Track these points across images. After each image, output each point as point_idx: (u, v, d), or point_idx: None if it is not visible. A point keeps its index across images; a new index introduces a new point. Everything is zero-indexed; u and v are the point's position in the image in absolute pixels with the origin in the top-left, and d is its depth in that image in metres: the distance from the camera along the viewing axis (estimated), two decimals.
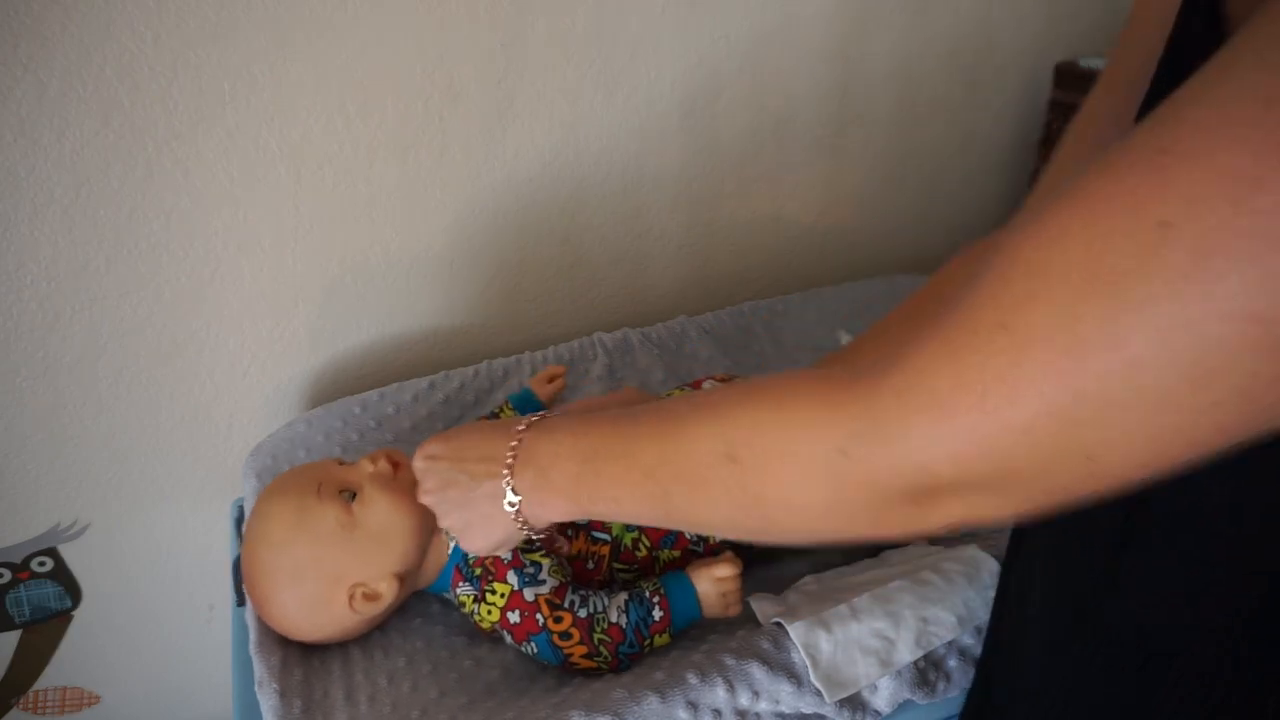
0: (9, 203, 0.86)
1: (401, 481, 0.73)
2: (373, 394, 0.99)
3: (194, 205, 0.93)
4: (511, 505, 0.56)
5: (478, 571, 0.72)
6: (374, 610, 0.71)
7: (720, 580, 0.72)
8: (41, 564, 1.05)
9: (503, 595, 0.70)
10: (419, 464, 0.62)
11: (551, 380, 1.01)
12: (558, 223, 1.13)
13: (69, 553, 1.05)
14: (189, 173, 0.92)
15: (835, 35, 1.18)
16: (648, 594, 0.71)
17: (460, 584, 0.73)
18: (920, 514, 0.38)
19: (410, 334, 1.11)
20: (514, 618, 0.70)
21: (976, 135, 1.37)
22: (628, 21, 1.05)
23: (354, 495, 0.72)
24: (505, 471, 0.56)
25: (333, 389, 1.08)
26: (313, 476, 0.73)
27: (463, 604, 0.73)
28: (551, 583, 0.71)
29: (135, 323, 0.96)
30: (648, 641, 0.71)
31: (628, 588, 0.73)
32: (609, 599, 0.71)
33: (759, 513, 0.43)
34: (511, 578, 0.71)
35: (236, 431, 1.07)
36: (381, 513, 0.71)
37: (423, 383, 1.02)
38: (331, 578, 0.70)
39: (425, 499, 0.63)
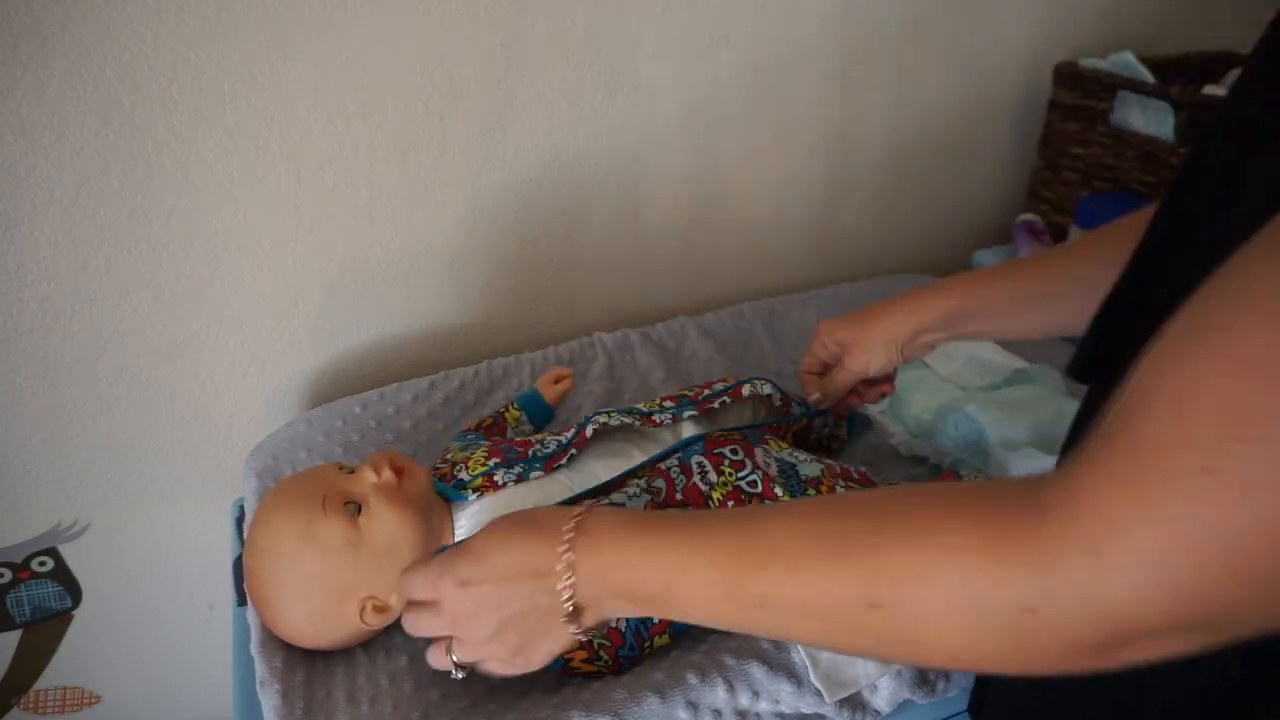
0: (9, 202, 0.86)
1: (406, 491, 0.72)
2: (373, 394, 0.99)
3: (194, 205, 0.93)
4: (569, 618, 0.50)
5: None
6: (385, 622, 0.71)
7: None
8: (42, 564, 1.05)
9: None
10: (453, 594, 0.52)
11: (558, 381, 1.01)
12: (558, 223, 1.13)
13: (69, 552, 1.05)
14: (189, 173, 0.92)
15: (834, 36, 1.18)
16: None
17: None
18: (1112, 656, 0.34)
19: (410, 334, 1.11)
20: None
21: (976, 135, 1.37)
22: (628, 21, 1.05)
23: (359, 508, 0.71)
24: (565, 588, 0.49)
25: (333, 389, 1.08)
26: (316, 488, 0.71)
27: None
28: None
29: (135, 323, 0.96)
30: (648, 644, 0.70)
31: None
32: None
33: (914, 654, 0.39)
34: None
35: (236, 431, 1.07)
36: (388, 526, 0.70)
37: (423, 383, 1.02)
38: (341, 592, 0.70)
39: (471, 635, 0.52)
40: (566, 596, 0.49)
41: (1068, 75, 1.26)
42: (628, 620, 0.69)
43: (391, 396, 0.99)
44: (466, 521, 0.75)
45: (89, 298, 0.93)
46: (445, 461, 0.84)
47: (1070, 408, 0.77)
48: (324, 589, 0.69)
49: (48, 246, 0.89)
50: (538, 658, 0.53)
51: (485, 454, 0.80)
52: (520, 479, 0.77)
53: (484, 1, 0.97)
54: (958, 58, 1.29)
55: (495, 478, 0.77)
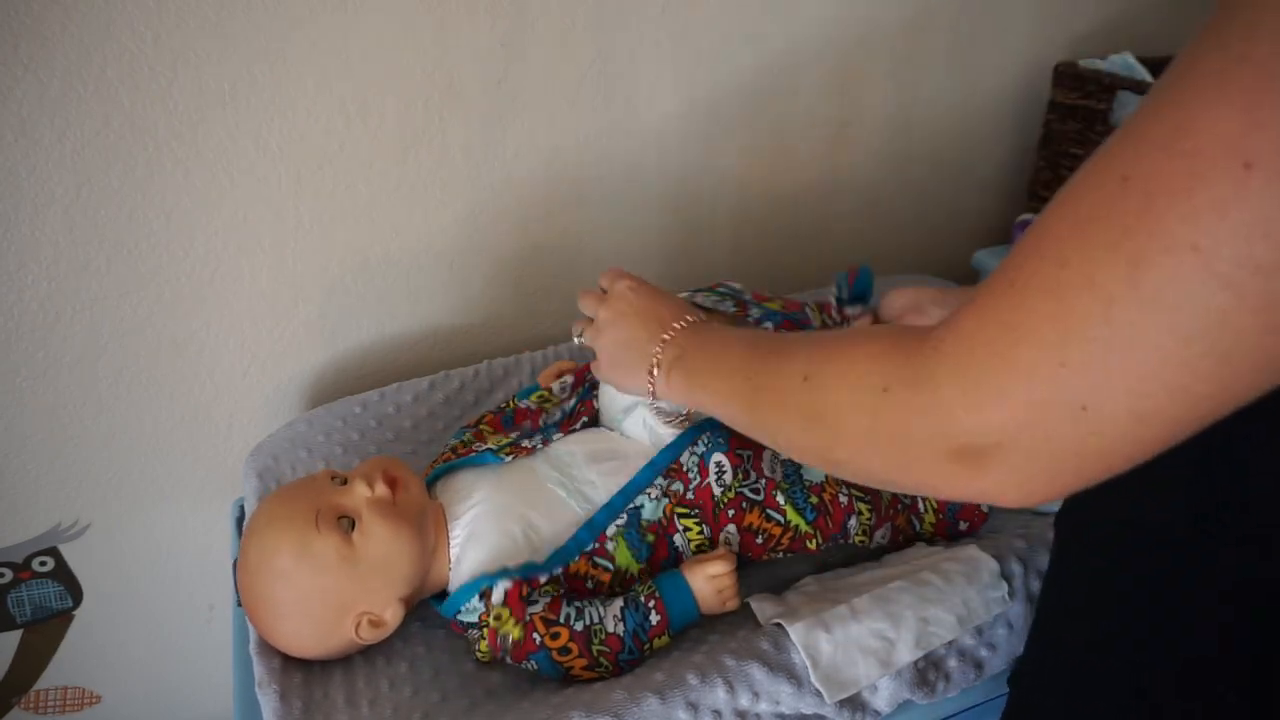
0: (10, 203, 0.86)
1: (401, 505, 0.71)
2: (373, 394, 0.99)
3: (194, 205, 0.93)
4: (651, 373, 0.68)
5: (465, 625, 0.72)
6: (380, 636, 0.71)
7: (714, 577, 0.72)
8: (42, 564, 1.05)
9: (505, 616, 0.69)
10: (618, 295, 0.73)
11: (560, 376, 1.00)
12: (558, 222, 1.13)
13: (69, 552, 1.05)
14: (189, 173, 0.92)
15: (834, 35, 1.18)
16: (642, 598, 0.71)
17: (460, 633, 0.73)
18: (958, 471, 0.41)
19: (410, 334, 1.11)
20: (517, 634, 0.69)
21: (976, 135, 1.37)
22: (628, 21, 1.05)
23: (353, 523, 0.70)
24: (659, 346, 0.67)
25: (333, 389, 1.08)
26: (309, 503, 0.70)
27: (469, 639, 0.73)
28: (544, 600, 0.70)
29: (135, 323, 0.96)
30: (647, 646, 0.70)
31: (623, 593, 0.72)
32: (604, 608, 0.70)
33: (817, 431, 0.49)
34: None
35: (236, 431, 1.07)
36: (382, 542, 0.69)
37: (423, 383, 1.02)
38: (336, 608, 0.69)
39: (599, 316, 0.73)
40: (657, 352, 0.67)
41: (1067, 75, 1.26)
42: (625, 624, 0.69)
43: (392, 396, 0.99)
44: (461, 531, 0.74)
45: (89, 298, 0.93)
46: (448, 448, 0.84)
47: None
48: (319, 605, 0.69)
49: (48, 246, 0.89)
50: (619, 379, 0.73)
51: (490, 428, 0.87)
52: (546, 442, 0.81)
53: (484, 1, 0.97)
54: (958, 58, 1.29)
55: (523, 444, 0.81)
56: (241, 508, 0.94)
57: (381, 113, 0.97)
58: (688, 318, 0.69)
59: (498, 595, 0.69)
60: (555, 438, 0.82)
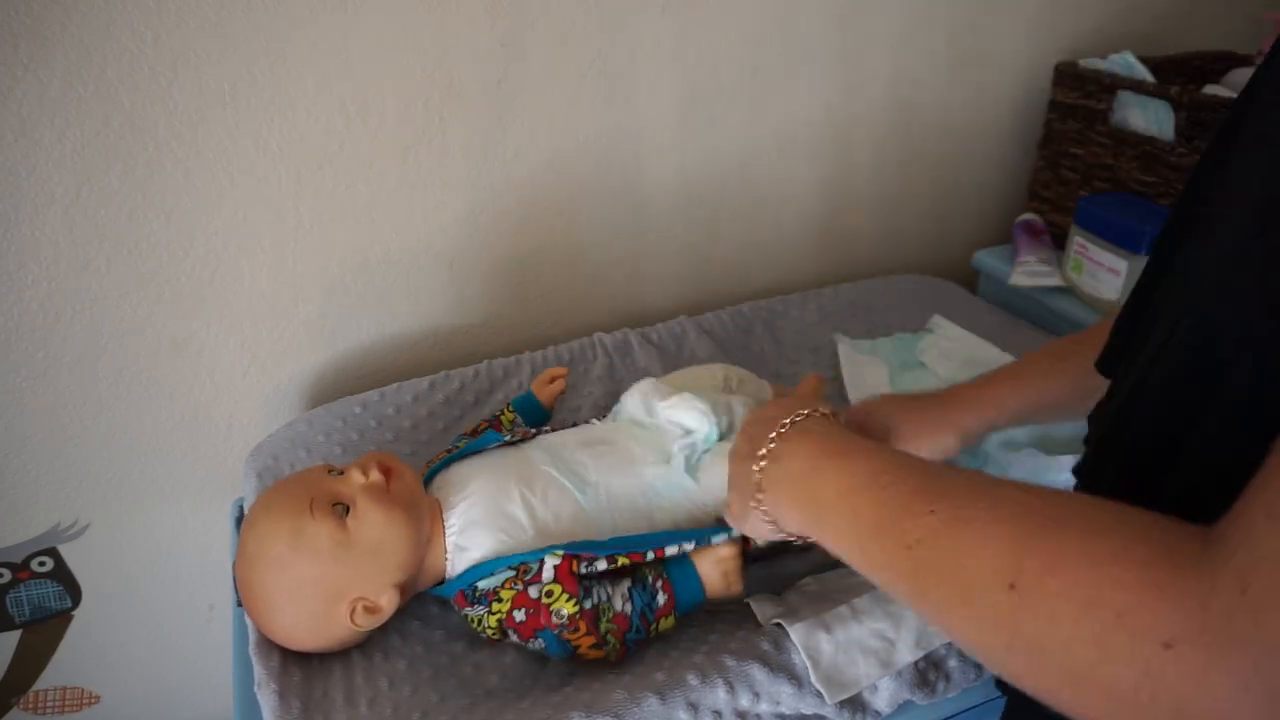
0: (10, 202, 0.86)
1: (395, 492, 0.72)
2: (373, 394, 0.99)
3: (194, 205, 0.93)
4: (758, 501, 0.55)
5: (479, 594, 0.72)
6: (375, 623, 0.71)
7: (722, 560, 0.72)
8: (42, 564, 1.05)
9: (508, 599, 0.70)
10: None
11: (552, 381, 1.01)
12: (557, 223, 1.13)
13: (69, 553, 1.05)
14: (189, 173, 0.92)
15: (835, 35, 1.18)
16: (650, 579, 0.71)
17: (466, 607, 0.72)
18: None
19: (410, 334, 1.11)
20: (520, 616, 0.69)
21: (976, 135, 1.37)
22: (628, 21, 1.05)
23: (347, 509, 0.71)
24: (758, 470, 0.55)
25: (333, 389, 1.08)
26: (304, 491, 0.71)
27: (469, 619, 0.73)
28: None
29: (135, 323, 0.96)
30: (653, 626, 0.71)
31: (631, 574, 0.73)
32: (613, 587, 0.71)
33: (1024, 650, 0.35)
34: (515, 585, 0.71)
35: (236, 431, 1.07)
36: (376, 527, 0.70)
37: (423, 383, 1.02)
38: (331, 594, 0.70)
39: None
40: (756, 478, 0.55)
41: (1068, 75, 1.26)
42: (633, 603, 0.70)
43: (391, 396, 0.99)
44: (458, 521, 0.75)
45: (89, 297, 0.93)
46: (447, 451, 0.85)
47: None
48: (314, 591, 0.69)
49: (48, 246, 0.89)
50: (745, 527, 0.60)
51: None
52: (539, 431, 0.85)
53: (484, 1, 0.97)
54: (958, 58, 1.29)
55: (519, 430, 0.86)
56: (241, 508, 0.94)
57: (381, 113, 0.97)
58: (775, 431, 0.54)
59: (548, 572, 0.69)
60: (545, 430, 0.86)
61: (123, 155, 0.88)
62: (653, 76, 1.10)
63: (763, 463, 0.54)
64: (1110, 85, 1.20)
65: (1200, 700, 0.29)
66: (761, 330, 1.17)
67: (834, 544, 0.48)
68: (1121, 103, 1.20)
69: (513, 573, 0.71)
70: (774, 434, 0.54)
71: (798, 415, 0.55)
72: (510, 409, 0.95)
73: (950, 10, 1.25)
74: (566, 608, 0.69)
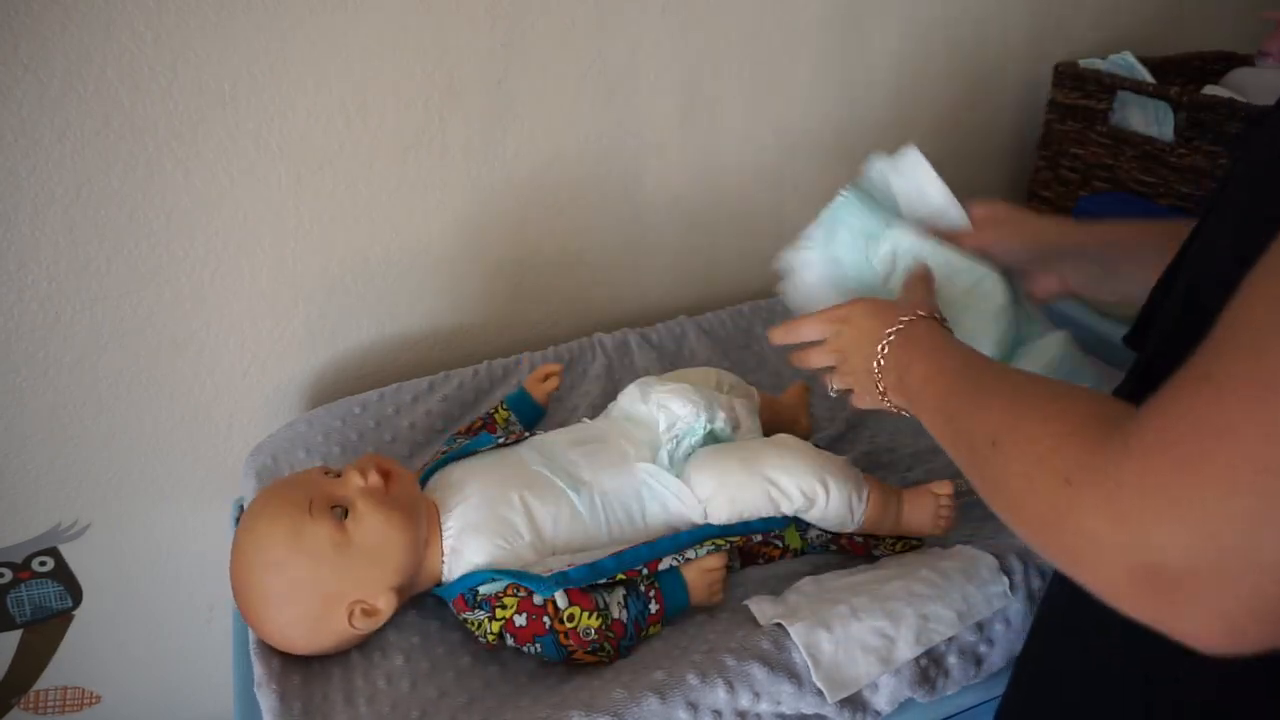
0: (10, 202, 0.86)
1: (394, 495, 0.72)
2: (373, 394, 0.99)
3: (194, 205, 0.93)
4: (879, 384, 0.64)
5: (481, 599, 0.72)
6: (373, 625, 0.71)
7: (708, 571, 0.75)
8: (42, 564, 1.05)
9: (511, 605, 0.70)
10: (837, 332, 0.68)
11: (546, 379, 1.00)
12: (557, 223, 1.13)
13: (69, 552, 1.05)
14: (189, 173, 0.92)
15: (835, 35, 1.18)
16: (643, 588, 0.73)
17: (466, 611, 0.72)
18: (1135, 594, 0.35)
19: (410, 334, 1.11)
20: (521, 620, 0.70)
21: (976, 135, 1.37)
22: (628, 21, 1.05)
23: (346, 511, 0.70)
24: (879, 357, 0.63)
25: (333, 389, 1.08)
26: (303, 493, 0.71)
27: (468, 623, 0.73)
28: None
29: (135, 323, 0.96)
30: (644, 632, 0.73)
31: (622, 583, 0.74)
32: (609, 595, 0.72)
33: (999, 501, 0.45)
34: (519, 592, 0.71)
35: (236, 431, 1.07)
36: (375, 530, 0.70)
37: (423, 383, 1.02)
38: (329, 596, 0.69)
39: (828, 358, 0.69)
40: (877, 365, 0.63)
41: (1068, 75, 1.26)
42: (628, 611, 0.72)
43: (391, 396, 0.99)
44: (455, 523, 0.74)
45: (89, 298, 0.93)
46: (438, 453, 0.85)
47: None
48: (312, 593, 0.69)
49: (48, 246, 0.89)
50: (863, 402, 0.68)
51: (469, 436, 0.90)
52: (532, 431, 0.86)
53: (484, 1, 0.97)
54: (958, 58, 1.29)
55: (513, 431, 0.88)
56: (241, 508, 0.94)
57: (381, 113, 0.97)
58: (890, 330, 0.64)
59: (561, 600, 0.70)
60: (537, 431, 0.87)
61: (123, 155, 0.88)
62: (653, 76, 1.10)
63: (882, 352, 0.64)
64: (1110, 85, 1.20)
65: (1089, 530, 0.36)
66: (761, 330, 1.17)
67: (920, 416, 0.59)
68: (1121, 103, 1.20)
69: (514, 581, 0.71)
70: (891, 330, 0.64)
71: (902, 321, 0.64)
72: (504, 406, 0.94)
73: (950, 10, 1.25)
74: (593, 623, 0.70)
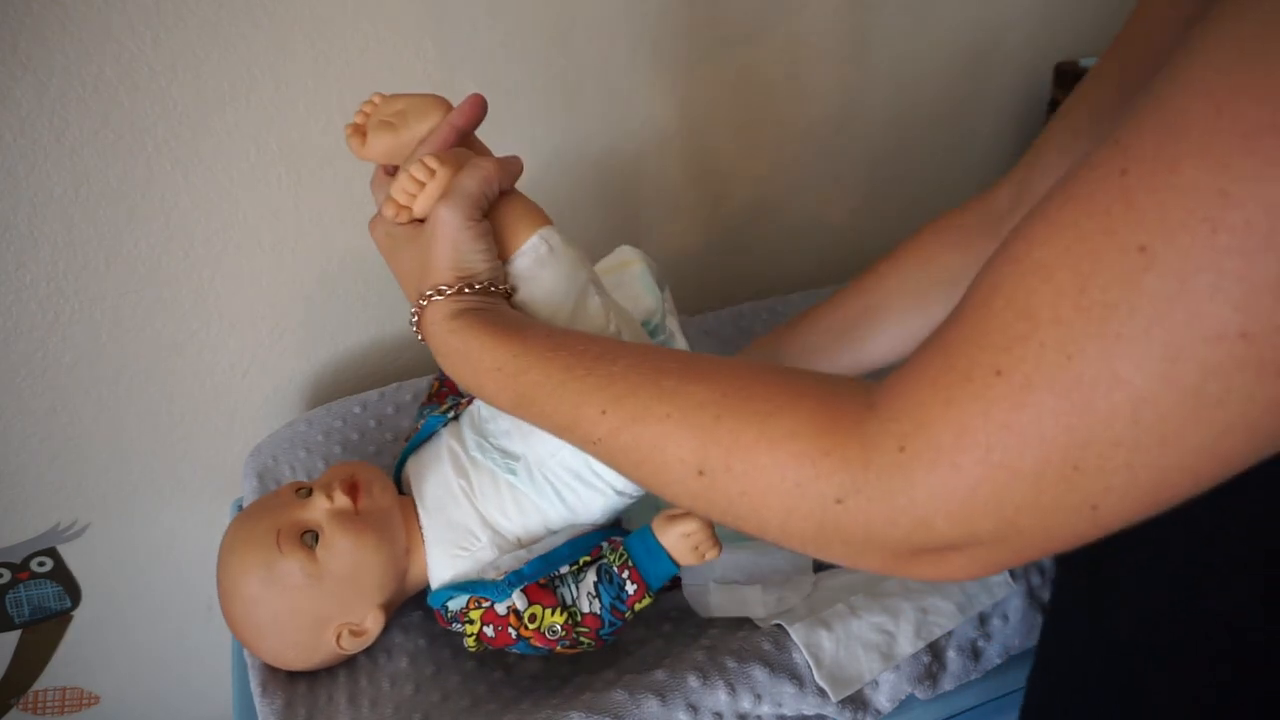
0: (8, 202, 0.86)
1: (364, 512, 0.69)
2: (373, 394, 0.99)
3: (194, 205, 0.93)
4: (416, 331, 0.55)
5: (451, 614, 0.70)
6: (364, 644, 0.70)
7: (689, 534, 0.65)
8: (41, 564, 1.04)
9: (477, 618, 0.67)
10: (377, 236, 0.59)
11: None
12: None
13: (69, 553, 1.05)
14: (189, 172, 0.92)
15: (836, 35, 1.18)
16: (616, 569, 0.66)
17: (446, 626, 0.71)
18: (914, 563, 0.36)
19: (410, 334, 1.11)
20: (490, 632, 0.67)
21: (976, 135, 1.37)
22: (628, 21, 1.05)
23: (316, 537, 0.68)
24: (414, 317, 0.55)
25: (333, 389, 1.08)
26: (270, 523, 0.69)
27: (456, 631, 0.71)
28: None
29: (135, 323, 0.96)
30: (628, 613, 0.67)
31: (594, 565, 0.68)
32: (578, 585, 0.67)
33: (727, 519, 0.41)
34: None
35: (236, 431, 1.07)
36: (347, 554, 0.68)
37: (422, 383, 1.01)
38: (314, 623, 0.68)
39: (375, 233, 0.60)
40: (414, 319, 0.55)
41: (1068, 75, 1.26)
42: (601, 601, 0.66)
43: (391, 396, 0.99)
44: (429, 534, 0.72)
45: (89, 298, 0.93)
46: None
47: None
48: (295, 624, 0.68)
49: (47, 246, 0.89)
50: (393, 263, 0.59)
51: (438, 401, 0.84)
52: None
53: (484, 2, 0.97)
54: (958, 58, 1.29)
55: (460, 400, 0.80)
56: (241, 508, 0.94)
57: None
58: (425, 295, 0.54)
59: (520, 602, 0.66)
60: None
61: (122, 155, 0.88)
62: (653, 77, 1.09)
63: (414, 316, 0.54)
64: None
65: (866, 540, 0.36)
66: (761, 330, 1.16)
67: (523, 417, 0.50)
68: None
69: (472, 594, 0.68)
70: (434, 290, 0.53)
71: (444, 291, 0.53)
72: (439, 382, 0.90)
73: (950, 9, 1.25)
74: (557, 620, 0.66)
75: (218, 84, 0.89)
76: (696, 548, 0.66)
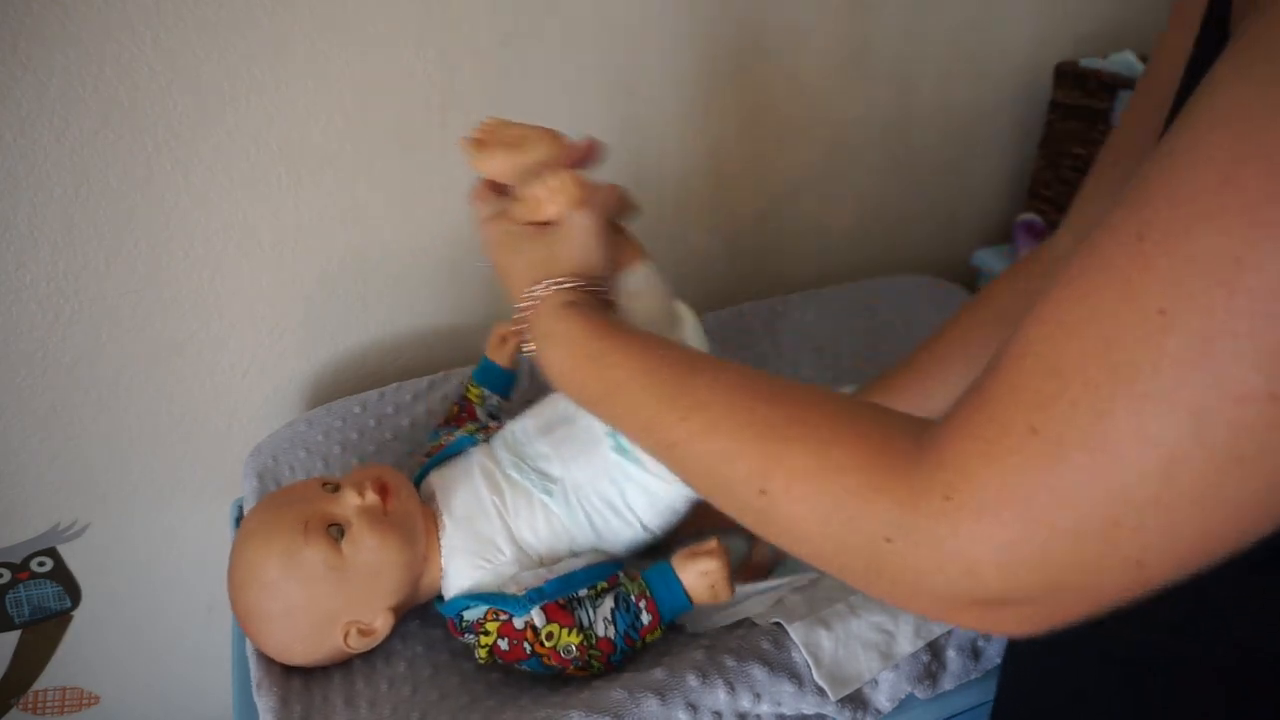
0: (8, 202, 0.86)
1: (392, 513, 0.70)
2: (373, 394, 0.99)
3: (194, 205, 0.93)
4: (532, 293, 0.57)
5: (466, 624, 0.70)
6: (370, 644, 0.70)
7: (707, 573, 0.68)
8: (41, 564, 1.04)
9: (494, 630, 0.68)
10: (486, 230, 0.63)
11: (504, 341, 0.93)
12: None
13: (68, 553, 1.05)
14: (189, 172, 0.92)
15: (836, 35, 1.18)
16: (633, 598, 0.69)
17: (458, 636, 0.71)
18: (969, 615, 0.36)
19: (410, 334, 1.11)
20: (503, 645, 0.68)
21: (976, 135, 1.37)
22: (629, 21, 1.05)
23: (342, 531, 0.69)
24: (530, 301, 0.57)
25: (333, 389, 1.08)
26: (298, 512, 0.69)
27: (467, 644, 0.72)
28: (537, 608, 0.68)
29: (135, 323, 0.96)
30: (639, 643, 0.69)
31: (612, 591, 0.70)
32: (594, 610, 0.69)
33: (782, 540, 0.41)
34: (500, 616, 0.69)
35: (236, 431, 1.07)
36: (372, 552, 0.68)
37: (422, 382, 1.01)
38: (325, 617, 0.69)
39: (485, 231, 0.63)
40: (519, 316, 0.57)
41: (1068, 75, 1.26)
42: (616, 627, 0.68)
43: (391, 396, 0.99)
44: (447, 541, 0.73)
45: (89, 298, 0.93)
46: (423, 452, 0.83)
47: None
48: (308, 615, 0.68)
49: (47, 246, 0.89)
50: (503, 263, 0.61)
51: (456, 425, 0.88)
52: (501, 423, 0.83)
53: (484, 1, 0.97)
54: (958, 58, 1.29)
55: (489, 424, 0.86)
56: (241, 508, 0.94)
57: (381, 113, 0.97)
58: (531, 293, 0.57)
59: (539, 619, 0.67)
60: (504, 421, 0.82)
61: (122, 155, 0.88)
62: (653, 76, 1.09)
63: (525, 308, 0.56)
64: (1111, 85, 1.20)
65: (915, 582, 0.35)
66: (761, 330, 1.16)
67: (614, 426, 0.51)
68: (1122, 102, 1.19)
69: (491, 606, 0.69)
70: (539, 289, 0.56)
71: (564, 282, 0.56)
72: (474, 384, 0.91)
73: (950, 10, 1.25)
74: (573, 640, 0.67)
75: (218, 84, 0.89)
76: (712, 586, 0.68)
